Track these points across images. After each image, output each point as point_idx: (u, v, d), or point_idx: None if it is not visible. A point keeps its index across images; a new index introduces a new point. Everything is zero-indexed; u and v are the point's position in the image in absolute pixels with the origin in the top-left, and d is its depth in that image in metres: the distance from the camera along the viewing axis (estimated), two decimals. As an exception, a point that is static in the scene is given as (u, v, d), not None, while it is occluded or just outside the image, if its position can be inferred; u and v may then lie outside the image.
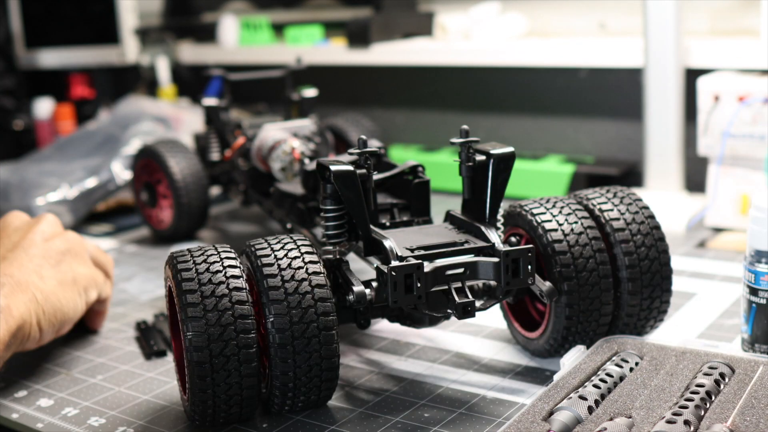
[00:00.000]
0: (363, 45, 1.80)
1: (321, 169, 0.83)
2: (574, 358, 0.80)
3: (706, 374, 0.73)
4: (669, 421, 0.65)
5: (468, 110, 1.83)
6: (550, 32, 1.79)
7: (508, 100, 1.77)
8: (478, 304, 0.84)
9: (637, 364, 0.78)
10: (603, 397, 0.71)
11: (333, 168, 0.81)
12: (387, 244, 0.81)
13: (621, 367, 0.77)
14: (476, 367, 0.89)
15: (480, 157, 0.84)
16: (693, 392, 0.70)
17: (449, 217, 0.90)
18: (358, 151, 0.86)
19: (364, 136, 0.87)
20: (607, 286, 0.83)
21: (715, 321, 0.97)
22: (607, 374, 0.75)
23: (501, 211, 0.89)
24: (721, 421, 0.66)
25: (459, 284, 0.80)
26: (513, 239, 0.87)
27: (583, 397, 0.70)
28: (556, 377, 0.77)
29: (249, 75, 1.52)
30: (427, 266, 0.78)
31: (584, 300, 0.82)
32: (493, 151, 0.83)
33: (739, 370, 0.74)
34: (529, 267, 0.80)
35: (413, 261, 0.78)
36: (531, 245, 0.82)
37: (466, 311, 0.79)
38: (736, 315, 0.97)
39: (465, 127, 0.85)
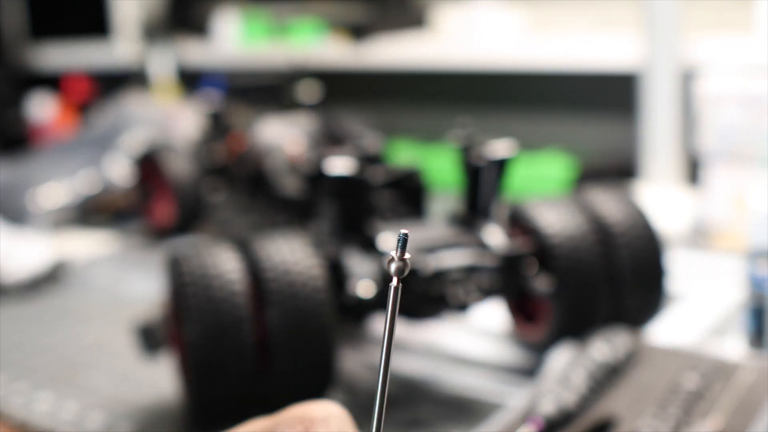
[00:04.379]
0: (363, 41, 1.80)
1: (320, 170, 0.84)
2: (559, 358, 0.80)
3: (693, 376, 0.73)
4: (652, 422, 0.65)
5: (468, 108, 1.83)
6: (551, 28, 1.79)
7: (509, 99, 1.77)
8: (477, 303, 0.84)
9: (625, 347, 0.77)
10: (587, 384, 0.71)
11: (332, 168, 0.82)
12: (385, 243, 0.81)
13: (608, 350, 0.76)
14: (475, 366, 0.89)
15: (480, 156, 0.85)
16: (679, 393, 0.70)
17: (449, 217, 0.90)
18: (357, 150, 0.86)
19: (363, 136, 0.87)
20: (605, 286, 0.83)
21: (714, 322, 0.97)
22: (592, 359, 0.74)
23: (501, 211, 0.89)
24: (707, 423, 0.66)
25: (458, 283, 0.80)
26: (513, 239, 0.87)
27: (565, 385, 0.70)
28: (540, 376, 0.77)
29: (250, 81, 1.52)
30: (426, 266, 0.78)
31: (583, 300, 0.82)
32: (493, 151, 0.83)
33: (727, 372, 0.74)
34: (529, 266, 0.80)
35: (411, 260, 0.78)
36: (531, 244, 0.82)
37: (464, 310, 0.79)
38: (736, 316, 0.97)
39: (465, 125, 0.85)
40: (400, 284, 0.35)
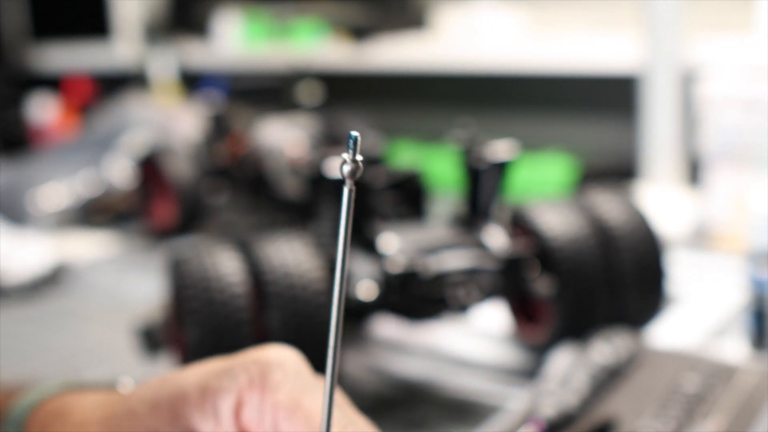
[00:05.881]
0: (364, 42, 1.80)
1: (321, 171, 0.83)
2: (560, 359, 0.80)
3: (694, 377, 0.73)
4: (653, 424, 0.65)
5: (469, 109, 1.83)
6: (552, 30, 1.79)
7: (510, 100, 1.77)
8: (477, 304, 0.84)
9: (626, 349, 0.77)
10: (587, 386, 0.71)
11: (333, 170, 0.82)
12: (386, 245, 0.81)
13: (609, 351, 0.76)
14: (476, 368, 0.89)
15: (481, 158, 0.85)
16: (680, 395, 0.70)
17: (450, 218, 0.90)
18: (358, 152, 0.86)
19: (364, 137, 0.87)
20: (606, 288, 0.83)
21: (715, 323, 0.97)
22: (593, 360, 0.74)
23: (502, 212, 0.89)
24: (707, 425, 0.66)
25: (459, 285, 0.80)
26: (514, 240, 0.87)
27: (566, 387, 0.70)
28: (540, 378, 0.77)
29: (251, 83, 1.52)
30: (426, 267, 0.78)
31: (584, 301, 0.82)
32: (494, 152, 0.83)
33: (728, 374, 0.74)
34: (530, 268, 0.80)
35: (412, 262, 0.78)
36: (532, 246, 0.82)
37: (465, 311, 0.79)
38: (737, 318, 0.97)
39: (466, 127, 0.85)
40: (354, 188, 0.34)
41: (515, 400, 0.81)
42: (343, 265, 0.36)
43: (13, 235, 1.44)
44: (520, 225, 0.86)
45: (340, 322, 0.36)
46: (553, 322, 0.84)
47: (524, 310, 0.91)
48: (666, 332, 0.93)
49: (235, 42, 2.07)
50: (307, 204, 1.10)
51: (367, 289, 0.81)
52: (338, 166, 0.34)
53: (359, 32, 1.82)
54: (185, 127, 1.76)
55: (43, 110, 2.06)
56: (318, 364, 0.74)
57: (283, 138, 1.25)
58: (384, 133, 1.82)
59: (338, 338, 0.37)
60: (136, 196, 1.47)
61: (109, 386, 0.53)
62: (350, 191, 0.34)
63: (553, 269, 0.82)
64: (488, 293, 0.86)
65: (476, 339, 0.96)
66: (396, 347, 0.96)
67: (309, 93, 1.50)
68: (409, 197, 0.96)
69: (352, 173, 0.34)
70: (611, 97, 1.62)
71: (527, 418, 0.69)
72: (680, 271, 1.11)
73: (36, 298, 1.20)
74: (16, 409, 0.51)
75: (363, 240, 0.84)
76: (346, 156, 0.34)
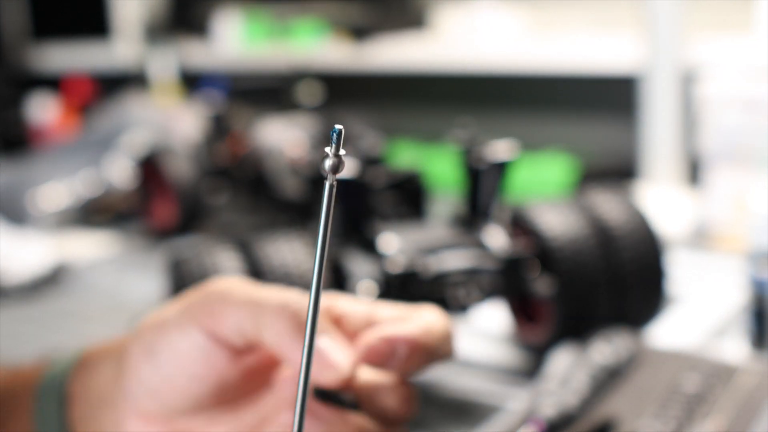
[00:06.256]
0: (364, 42, 1.80)
1: (321, 171, 0.84)
2: (560, 359, 0.80)
3: (694, 377, 0.73)
4: (653, 424, 0.65)
5: (469, 109, 1.83)
6: (552, 30, 1.79)
7: (510, 100, 1.77)
8: (477, 304, 0.84)
9: (626, 349, 0.77)
10: (587, 386, 0.71)
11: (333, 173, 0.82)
12: (386, 245, 0.81)
13: (609, 351, 0.76)
14: (476, 368, 0.89)
15: (481, 158, 0.85)
16: (680, 395, 0.70)
17: (450, 218, 0.90)
18: (358, 152, 0.86)
19: (364, 137, 0.87)
20: (606, 288, 0.83)
21: (715, 324, 0.97)
22: (593, 360, 0.74)
23: (502, 213, 0.89)
24: (707, 425, 0.66)
25: (459, 285, 0.80)
26: (514, 240, 0.87)
27: (566, 387, 0.70)
28: (540, 378, 0.77)
29: (251, 83, 1.52)
30: (426, 268, 0.78)
31: (585, 301, 0.82)
32: (494, 152, 0.83)
33: (729, 374, 0.74)
34: (530, 268, 0.80)
35: (412, 262, 0.78)
36: (532, 246, 0.82)
37: (465, 311, 0.79)
38: (737, 318, 0.97)
39: (466, 127, 0.85)
40: (335, 183, 0.33)
41: (515, 400, 0.81)
42: (321, 265, 0.35)
43: (13, 235, 1.44)
44: (520, 225, 0.86)
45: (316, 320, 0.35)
46: (553, 322, 0.84)
47: (524, 310, 0.91)
48: (666, 332, 0.93)
49: (235, 42, 2.07)
50: (307, 204, 1.10)
51: (367, 289, 0.81)
52: (320, 160, 0.33)
53: (359, 32, 1.82)
54: (185, 127, 1.76)
55: (43, 110, 2.06)
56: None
57: (283, 138, 1.25)
58: (384, 133, 1.82)
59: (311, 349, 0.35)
60: (136, 196, 1.47)
61: None
62: (332, 186, 0.33)
63: (553, 269, 0.82)
64: (488, 293, 0.86)
65: (476, 339, 0.96)
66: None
67: (309, 93, 1.50)
68: (409, 197, 0.96)
69: (335, 168, 0.33)
70: (611, 97, 1.62)
71: (527, 418, 0.69)
72: (680, 271, 1.11)
73: (36, 298, 1.20)
74: (53, 372, 0.49)
75: (363, 240, 0.84)
76: (328, 150, 0.33)
